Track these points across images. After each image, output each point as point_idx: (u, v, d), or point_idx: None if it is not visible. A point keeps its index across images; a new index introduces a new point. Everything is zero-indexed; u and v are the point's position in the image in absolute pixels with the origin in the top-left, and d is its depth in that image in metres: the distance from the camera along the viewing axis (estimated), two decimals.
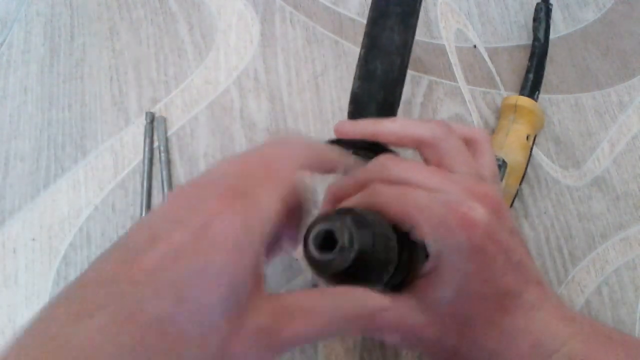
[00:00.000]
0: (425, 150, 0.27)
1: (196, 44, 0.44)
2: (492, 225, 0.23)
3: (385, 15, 0.32)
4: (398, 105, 0.32)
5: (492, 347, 0.24)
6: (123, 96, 0.42)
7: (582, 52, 0.49)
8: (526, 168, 0.42)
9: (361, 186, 0.26)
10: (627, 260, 0.42)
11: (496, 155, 0.40)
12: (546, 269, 0.41)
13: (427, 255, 0.25)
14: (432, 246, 0.24)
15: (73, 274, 0.37)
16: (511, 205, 0.41)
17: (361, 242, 0.22)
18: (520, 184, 0.41)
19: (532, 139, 0.42)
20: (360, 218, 0.23)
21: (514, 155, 0.40)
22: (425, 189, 0.25)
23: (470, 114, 0.45)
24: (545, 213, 0.43)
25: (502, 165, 0.39)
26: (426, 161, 0.28)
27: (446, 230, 0.23)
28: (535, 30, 0.46)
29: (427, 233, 0.23)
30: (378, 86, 0.31)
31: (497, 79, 0.47)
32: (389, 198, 0.24)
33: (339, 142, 0.30)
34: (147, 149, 0.40)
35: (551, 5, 0.47)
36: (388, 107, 0.31)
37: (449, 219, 0.23)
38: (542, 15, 0.46)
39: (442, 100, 0.45)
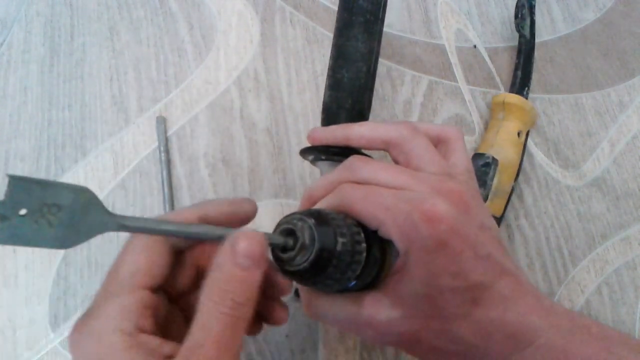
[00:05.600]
0: (394, 151, 0.28)
1: (196, 44, 0.44)
2: (457, 220, 0.24)
3: (349, 26, 0.33)
4: (369, 110, 0.33)
5: (468, 340, 0.25)
6: (123, 96, 0.42)
7: (582, 52, 0.49)
8: (520, 164, 0.42)
9: (332, 187, 0.27)
10: (627, 260, 0.42)
11: (485, 153, 0.40)
12: (546, 269, 0.41)
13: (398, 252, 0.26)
14: (399, 243, 0.24)
15: (73, 274, 0.37)
16: (508, 202, 0.41)
17: (322, 241, 0.22)
18: (515, 180, 0.41)
19: (524, 135, 0.42)
20: (324, 217, 0.23)
21: (505, 152, 0.40)
22: (392, 188, 0.25)
23: (470, 114, 0.45)
24: (545, 213, 0.43)
25: (491, 162, 0.39)
26: (395, 162, 0.29)
27: (411, 226, 0.23)
28: (518, 27, 0.45)
29: (393, 231, 0.24)
30: (346, 94, 0.32)
31: (497, 79, 0.47)
32: (355, 198, 0.25)
33: (314, 149, 0.31)
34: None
35: (534, 1, 0.46)
36: (357, 113, 0.32)
37: (414, 215, 0.23)
38: (526, 12, 0.45)
39: (442, 100, 0.45)
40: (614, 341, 0.26)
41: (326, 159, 0.31)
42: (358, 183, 0.26)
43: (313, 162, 0.32)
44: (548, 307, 0.26)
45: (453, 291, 0.24)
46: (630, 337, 0.27)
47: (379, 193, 0.25)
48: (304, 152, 0.32)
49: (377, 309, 0.25)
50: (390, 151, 0.28)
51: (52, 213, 0.20)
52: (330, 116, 0.33)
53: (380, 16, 0.33)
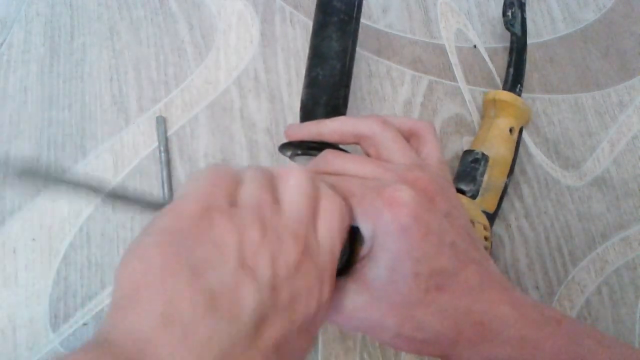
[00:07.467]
0: (365, 144, 0.29)
1: (196, 44, 0.44)
2: (420, 207, 0.24)
3: (324, 25, 0.34)
4: (345, 106, 0.34)
5: (435, 328, 0.25)
6: (123, 96, 0.42)
7: (582, 52, 0.49)
8: (514, 160, 0.42)
9: None
10: (627, 260, 0.42)
11: (475, 150, 0.40)
12: (546, 269, 0.41)
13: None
14: (364, 229, 0.25)
15: (73, 274, 0.37)
16: (502, 199, 0.40)
17: None
18: (509, 176, 0.41)
19: (516, 131, 0.42)
20: None
21: (497, 148, 0.40)
22: (360, 177, 0.26)
23: (470, 114, 0.45)
24: (545, 213, 0.43)
25: (481, 158, 0.40)
26: (367, 154, 0.30)
27: (375, 212, 0.24)
28: (507, 24, 0.45)
29: (359, 217, 0.25)
30: (321, 91, 0.34)
31: (497, 79, 0.47)
32: None
33: (290, 144, 0.32)
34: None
35: None
36: (332, 110, 0.33)
37: (377, 201, 0.24)
38: (516, 10, 0.45)
39: (442, 100, 0.45)
40: (583, 334, 0.26)
41: (302, 154, 0.32)
42: (329, 175, 0.27)
43: (291, 157, 0.34)
44: (517, 297, 0.26)
45: (416, 276, 0.24)
46: (599, 330, 0.27)
47: (347, 181, 0.26)
48: (282, 148, 0.33)
49: (343, 294, 0.25)
50: (362, 144, 0.30)
51: None
52: (307, 113, 0.34)
53: (355, 15, 0.34)
